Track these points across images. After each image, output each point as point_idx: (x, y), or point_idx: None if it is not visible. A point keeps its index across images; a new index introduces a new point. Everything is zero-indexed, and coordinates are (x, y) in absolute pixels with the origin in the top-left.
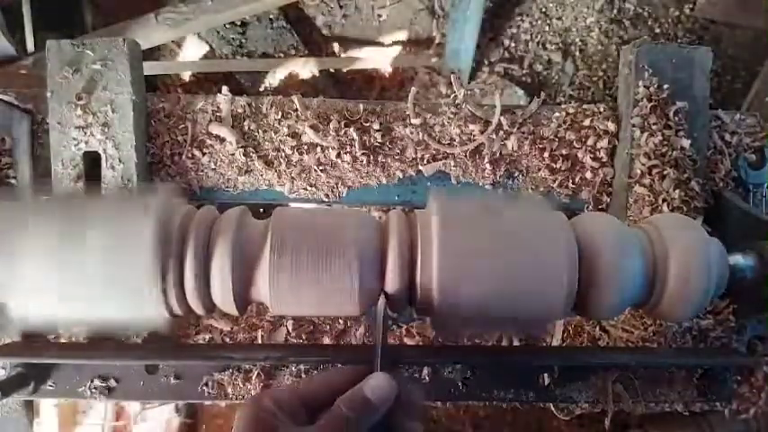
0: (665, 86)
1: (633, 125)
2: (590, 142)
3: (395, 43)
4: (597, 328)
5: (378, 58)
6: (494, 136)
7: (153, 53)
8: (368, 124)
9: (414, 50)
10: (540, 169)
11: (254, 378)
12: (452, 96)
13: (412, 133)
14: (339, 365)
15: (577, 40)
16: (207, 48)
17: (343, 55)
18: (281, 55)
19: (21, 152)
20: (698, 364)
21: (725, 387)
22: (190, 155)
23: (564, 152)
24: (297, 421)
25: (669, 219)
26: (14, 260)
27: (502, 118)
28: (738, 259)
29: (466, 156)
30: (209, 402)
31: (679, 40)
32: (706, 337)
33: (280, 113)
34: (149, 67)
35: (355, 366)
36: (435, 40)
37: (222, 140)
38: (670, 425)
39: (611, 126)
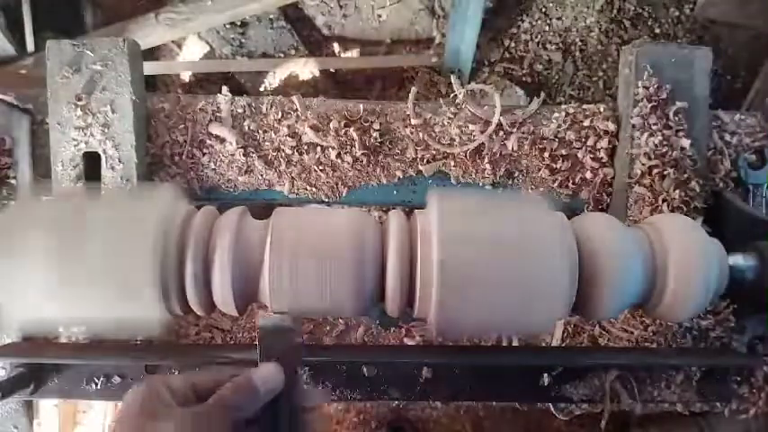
0: (665, 86)
1: (633, 125)
2: (590, 142)
3: (395, 43)
4: (597, 328)
5: (378, 58)
6: (494, 136)
7: (153, 53)
8: (368, 124)
9: (414, 50)
10: (540, 169)
11: None
12: (452, 96)
13: (412, 133)
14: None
15: (577, 40)
16: (207, 48)
17: (343, 55)
18: (281, 55)
19: (21, 152)
20: (698, 364)
21: (725, 387)
22: (190, 155)
23: (564, 152)
24: (186, 405)
25: (669, 219)
26: (14, 261)
27: (502, 118)
28: (738, 259)
29: (466, 156)
30: None
31: (679, 40)
32: (706, 337)
33: (280, 113)
34: (149, 67)
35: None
36: (435, 40)
37: (222, 140)
38: (670, 425)
39: (611, 126)
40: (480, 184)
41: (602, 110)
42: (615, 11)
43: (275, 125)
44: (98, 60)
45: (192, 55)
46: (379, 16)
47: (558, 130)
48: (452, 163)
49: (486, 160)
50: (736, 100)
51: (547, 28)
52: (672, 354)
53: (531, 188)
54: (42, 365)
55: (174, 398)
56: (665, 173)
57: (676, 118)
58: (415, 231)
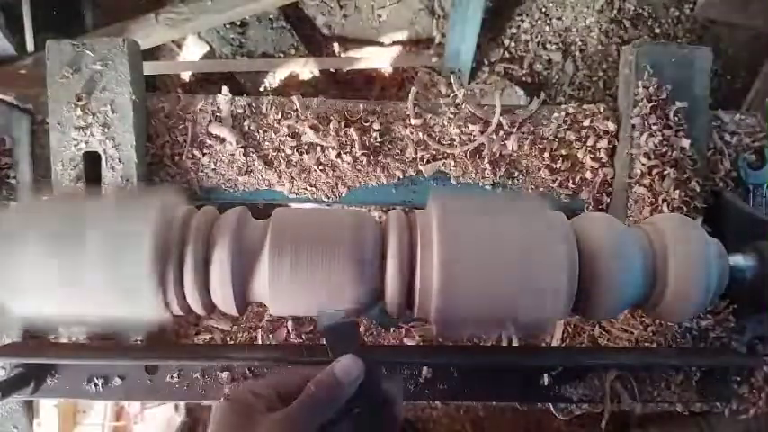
0: (665, 86)
1: (633, 125)
2: (590, 142)
3: (395, 43)
4: (597, 328)
5: (378, 58)
6: (494, 136)
7: (153, 53)
8: (368, 124)
9: (414, 50)
10: (540, 169)
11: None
12: (452, 96)
13: (412, 133)
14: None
15: (577, 40)
16: (207, 48)
17: (343, 55)
18: (281, 55)
19: (21, 152)
20: (698, 364)
21: (725, 387)
22: (190, 155)
23: (564, 152)
24: (272, 409)
25: (669, 219)
26: (15, 261)
27: (502, 118)
28: (738, 259)
29: (466, 156)
30: (209, 402)
31: (679, 40)
32: (706, 337)
33: (280, 113)
34: (149, 67)
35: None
36: (435, 40)
37: (222, 141)
38: (670, 425)
39: (611, 126)
40: (480, 185)
41: (602, 110)
42: (615, 11)
43: (275, 125)
44: (98, 60)
45: (191, 55)
46: (379, 16)
47: (558, 130)
48: (452, 163)
49: (486, 160)
50: (736, 100)
51: (547, 28)
52: (672, 354)
53: (531, 188)
54: (42, 365)
55: (261, 404)
56: (665, 173)
57: (676, 118)
58: (415, 231)
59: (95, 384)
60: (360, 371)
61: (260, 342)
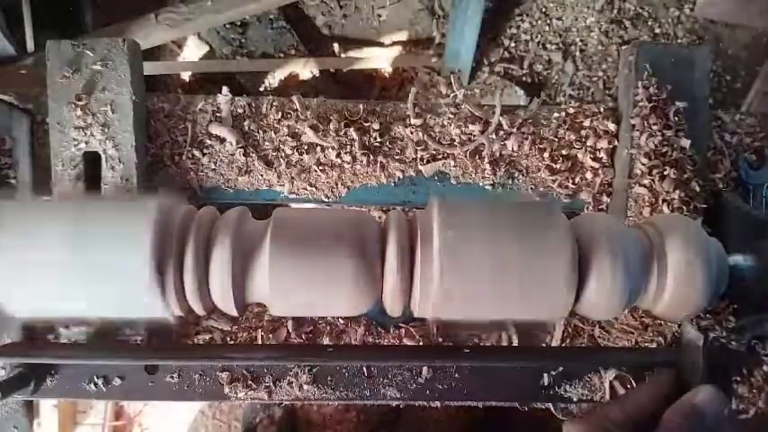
0: (665, 86)
1: (633, 125)
2: (590, 142)
3: (395, 43)
4: (597, 328)
5: (378, 58)
6: (494, 136)
7: (153, 53)
8: (368, 124)
9: (414, 50)
10: (539, 170)
11: (251, 378)
12: (452, 96)
13: (412, 133)
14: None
15: (577, 40)
16: (207, 48)
17: (343, 55)
18: (281, 55)
19: (21, 152)
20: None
21: (725, 387)
22: (190, 155)
23: (564, 152)
24: None
25: (669, 219)
26: (14, 261)
27: (502, 118)
28: (738, 259)
29: (466, 156)
30: (209, 402)
31: (679, 40)
32: (706, 337)
33: (280, 113)
34: (149, 67)
35: (667, 378)
36: (435, 40)
37: (222, 141)
38: None
39: (611, 126)
40: (480, 185)
41: (602, 110)
42: (615, 11)
43: (275, 125)
44: (98, 60)
45: (192, 55)
46: (379, 16)
47: (558, 131)
48: (452, 163)
49: (486, 160)
50: (736, 100)
51: (547, 28)
52: (671, 354)
53: (531, 188)
54: (42, 365)
55: None
56: (665, 173)
57: (676, 118)
58: (415, 231)
59: (95, 384)
60: (723, 405)
61: (260, 342)
